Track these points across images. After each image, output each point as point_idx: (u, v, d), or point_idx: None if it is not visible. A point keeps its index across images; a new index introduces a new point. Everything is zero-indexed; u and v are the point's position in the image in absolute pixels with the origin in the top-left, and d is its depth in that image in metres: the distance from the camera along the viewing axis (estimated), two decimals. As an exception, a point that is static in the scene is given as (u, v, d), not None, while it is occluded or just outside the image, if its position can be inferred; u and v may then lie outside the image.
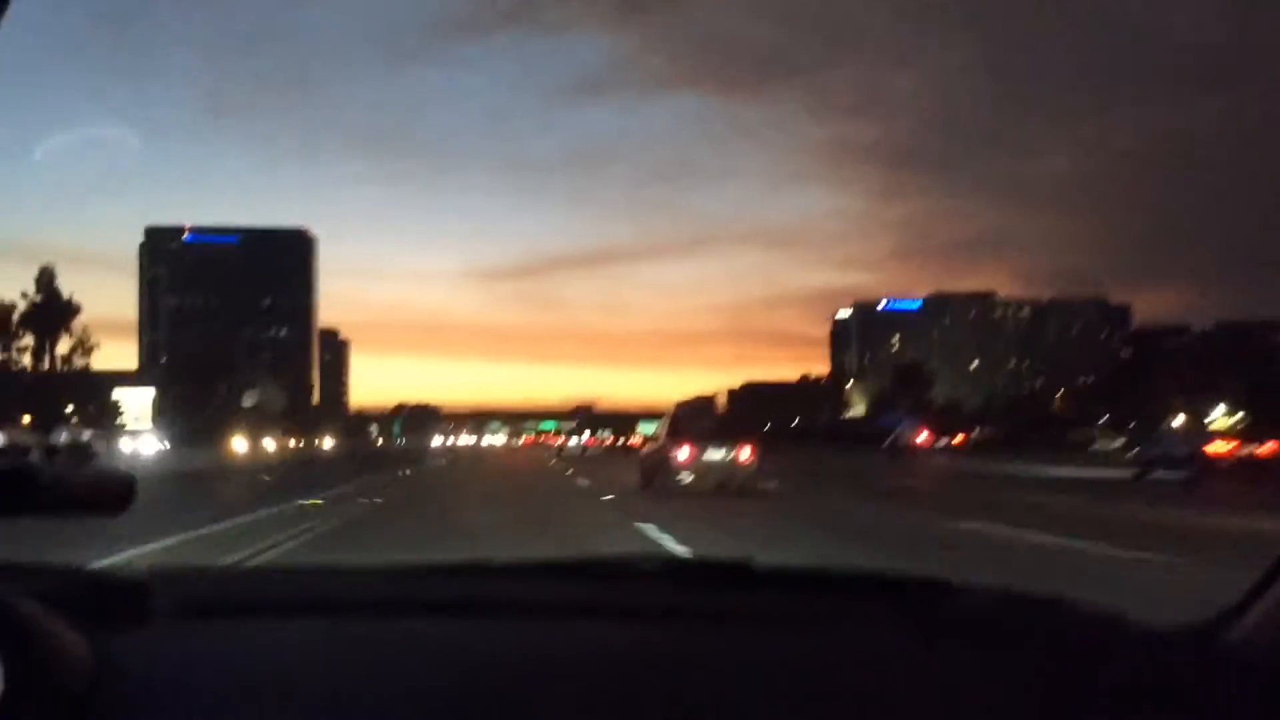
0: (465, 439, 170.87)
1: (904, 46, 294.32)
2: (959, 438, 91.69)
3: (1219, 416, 79.51)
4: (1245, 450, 32.52)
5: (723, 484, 21.03)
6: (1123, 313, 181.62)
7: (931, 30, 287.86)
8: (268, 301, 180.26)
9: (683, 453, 21.61)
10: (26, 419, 71.08)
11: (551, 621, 1.26)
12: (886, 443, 73.09)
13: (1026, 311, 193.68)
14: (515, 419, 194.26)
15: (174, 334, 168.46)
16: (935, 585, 1.32)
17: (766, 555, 1.92)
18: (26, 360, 73.43)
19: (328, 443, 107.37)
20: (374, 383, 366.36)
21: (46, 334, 72.88)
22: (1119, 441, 74.69)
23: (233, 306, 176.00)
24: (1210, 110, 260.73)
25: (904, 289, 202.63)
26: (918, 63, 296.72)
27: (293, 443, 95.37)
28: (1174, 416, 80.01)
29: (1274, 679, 1.11)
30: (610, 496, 21.30)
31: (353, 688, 1.03)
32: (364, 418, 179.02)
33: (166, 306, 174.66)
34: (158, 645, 1.11)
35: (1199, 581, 8.01)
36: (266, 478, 32.82)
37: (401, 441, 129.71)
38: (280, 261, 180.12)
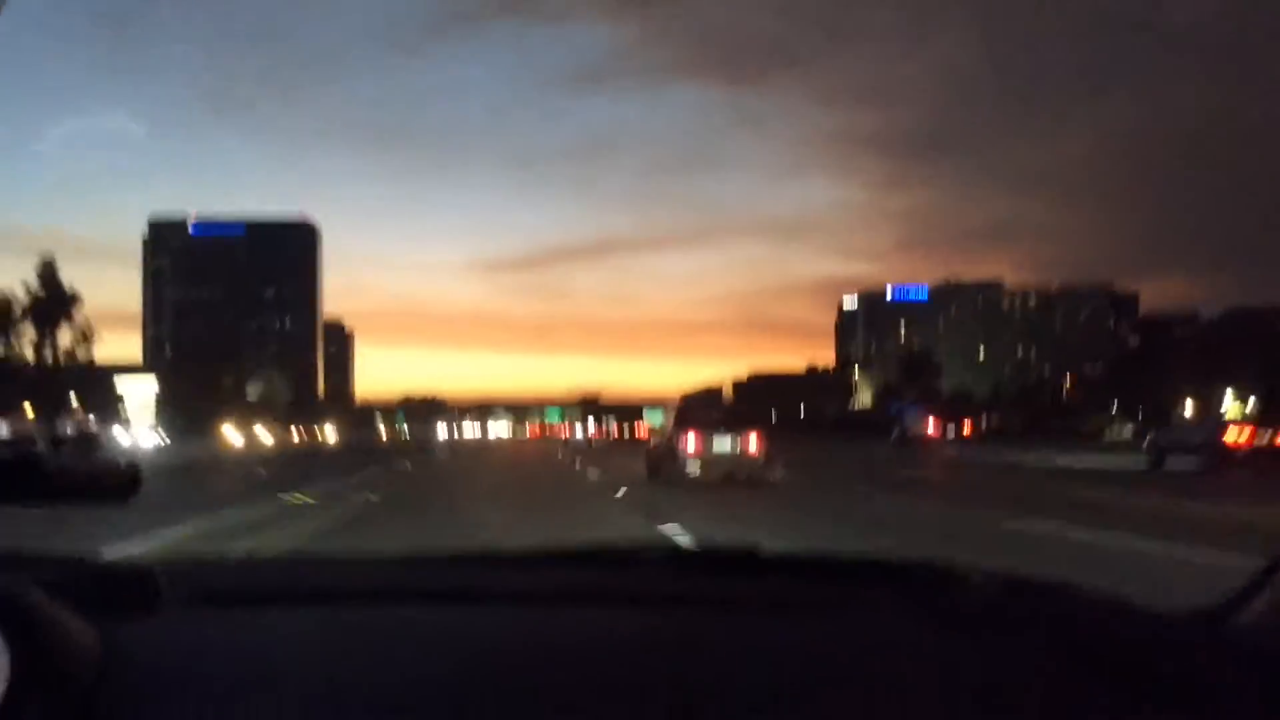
0: (471, 430, 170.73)
1: (909, 35, 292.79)
2: (968, 427, 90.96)
3: (1231, 404, 78.77)
4: (1262, 438, 31.85)
5: (730, 474, 20.85)
6: (1130, 301, 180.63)
7: (936, 18, 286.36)
8: (271, 293, 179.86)
9: (690, 443, 21.40)
10: (29, 411, 70.75)
11: (558, 609, 1.27)
12: (894, 433, 72.46)
13: (1034, 300, 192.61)
14: (521, 410, 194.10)
15: (177, 325, 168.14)
16: (940, 571, 1.33)
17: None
18: (28, 352, 72.96)
19: (331, 435, 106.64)
20: (379, 375, 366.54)
21: (48, 325, 72.41)
22: (1130, 430, 74.16)
23: (236, 298, 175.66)
24: (1217, 98, 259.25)
25: (909, 279, 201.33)
26: (923, 51, 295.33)
27: (297, 435, 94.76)
28: (1184, 404, 79.45)
29: None
30: (623, 489, 20.50)
31: (359, 675, 1.03)
32: (369, 410, 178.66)
33: (170, 298, 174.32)
34: (165, 634, 1.12)
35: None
36: (261, 471, 32.21)
37: (405, 434, 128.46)
38: (284, 252, 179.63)
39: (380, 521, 14.37)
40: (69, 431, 53.38)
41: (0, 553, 1.27)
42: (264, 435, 77.26)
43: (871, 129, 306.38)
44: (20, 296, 72.67)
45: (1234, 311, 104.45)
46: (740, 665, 1.08)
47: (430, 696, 1.01)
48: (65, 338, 73.92)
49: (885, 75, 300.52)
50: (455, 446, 79.33)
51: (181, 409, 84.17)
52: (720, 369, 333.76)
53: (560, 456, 44.56)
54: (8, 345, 71.95)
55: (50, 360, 72.84)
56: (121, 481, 1.14)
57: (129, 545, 10.01)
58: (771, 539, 10.10)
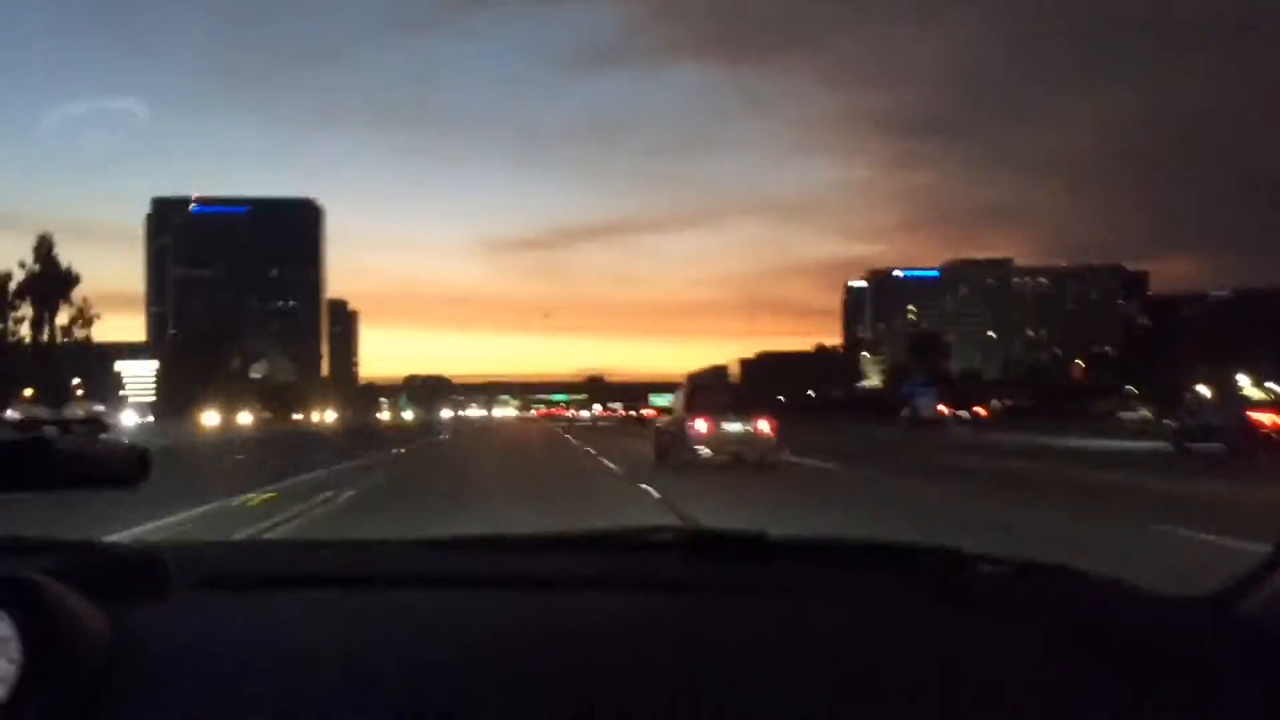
0: (476, 411, 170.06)
1: (916, 15, 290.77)
2: (982, 408, 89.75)
3: (1246, 385, 77.70)
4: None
5: (740, 457, 20.51)
6: (1140, 280, 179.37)
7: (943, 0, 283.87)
8: (274, 272, 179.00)
9: (700, 425, 20.93)
10: (29, 391, 69.95)
11: (566, 594, 1.29)
12: (904, 413, 71.03)
13: (1044, 279, 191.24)
14: (526, 390, 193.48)
15: (180, 305, 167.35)
16: (947, 555, 1.34)
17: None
18: (25, 331, 71.91)
19: (330, 416, 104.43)
20: (385, 355, 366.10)
21: (46, 304, 71.39)
22: (1144, 411, 73.09)
23: (239, 277, 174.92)
24: (1226, 78, 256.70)
25: (915, 259, 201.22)
26: (930, 31, 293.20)
27: (296, 417, 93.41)
28: (1197, 385, 78.39)
29: None
30: (634, 474, 19.35)
31: (367, 659, 1.05)
32: (374, 390, 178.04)
33: (173, 277, 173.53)
34: (174, 618, 1.14)
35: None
36: (239, 457, 30.45)
37: (407, 414, 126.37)
38: (287, 232, 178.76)
39: (354, 524, 12.05)
40: (77, 414, 51.89)
41: (9, 538, 1.29)
42: (250, 417, 74.33)
43: (877, 110, 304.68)
44: (18, 276, 71.49)
45: (1242, 292, 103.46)
46: (747, 650, 1.09)
47: (437, 680, 1.02)
48: (64, 317, 72.83)
49: (891, 56, 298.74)
50: (459, 428, 78.01)
51: (182, 388, 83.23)
52: (726, 349, 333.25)
53: (569, 439, 41.71)
54: (3, 323, 70.84)
55: (47, 339, 71.75)
56: (130, 466, 1.15)
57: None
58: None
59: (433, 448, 37.16)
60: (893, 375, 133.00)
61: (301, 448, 35.90)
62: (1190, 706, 1.02)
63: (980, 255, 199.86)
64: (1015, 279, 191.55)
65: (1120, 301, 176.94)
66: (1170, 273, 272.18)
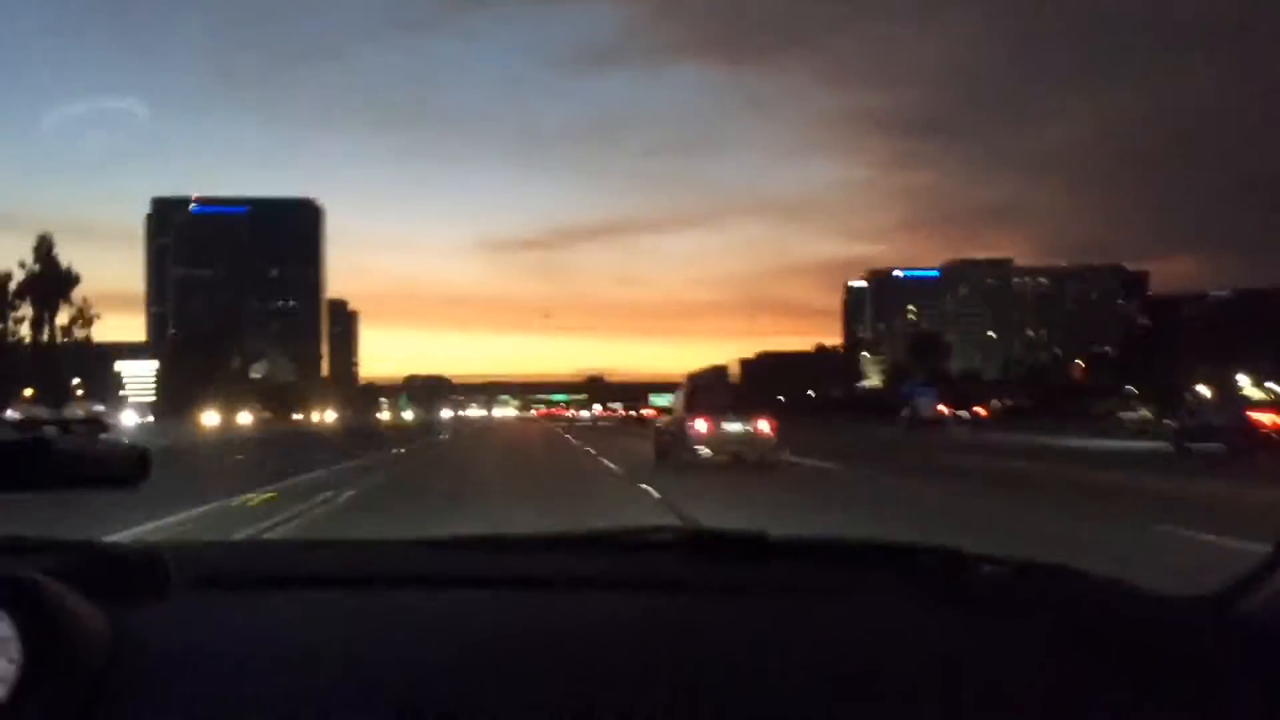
0: (476, 411, 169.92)
1: (916, 15, 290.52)
2: (982, 409, 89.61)
3: (1246, 385, 77.60)
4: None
5: (740, 457, 20.45)
6: (1140, 280, 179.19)
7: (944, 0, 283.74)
8: (274, 272, 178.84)
9: (700, 426, 20.87)
10: (29, 392, 69.85)
11: (565, 594, 1.29)
12: (905, 414, 70.86)
13: (1044, 279, 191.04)
14: (526, 390, 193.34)
15: (180, 305, 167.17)
16: (947, 555, 1.35)
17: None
18: (25, 331, 71.70)
19: (330, 416, 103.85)
20: (385, 355, 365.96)
21: (46, 304, 71.24)
22: (1144, 412, 73.01)
23: (239, 277, 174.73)
24: (1225, 78, 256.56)
25: (913, 259, 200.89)
26: (930, 31, 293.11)
27: (296, 416, 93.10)
28: (1197, 385, 78.29)
29: None
30: (635, 474, 19.24)
31: (368, 660, 1.05)
32: (374, 390, 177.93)
33: (173, 277, 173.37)
34: (175, 619, 1.14)
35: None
36: (239, 457, 30.25)
37: (407, 415, 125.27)
38: (287, 232, 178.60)
39: (354, 524, 12.08)
40: (78, 415, 51.40)
41: (9, 538, 1.29)
42: (249, 417, 73.63)
43: (877, 110, 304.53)
44: (18, 276, 71.30)
45: (1242, 293, 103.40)
46: (748, 650, 1.09)
47: (438, 681, 1.02)
48: (63, 317, 72.67)
49: (891, 56, 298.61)
50: (459, 428, 77.81)
51: (182, 388, 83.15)
52: (726, 349, 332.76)
53: (569, 440, 41.45)
54: (3, 323, 70.65)
55: (47, 339, 71.59)
56: (130, 466, 1.15)
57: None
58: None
59: (432, 448, 37.03)
60: (893, 375, 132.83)
61: (301, 448, 35.56)
62: (1191, 706, 1.02)
63: (980, 255, 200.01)
64: (1015, 279, 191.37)
65: (1120, 301, 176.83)
66: (1170, 273, 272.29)
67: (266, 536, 10.05)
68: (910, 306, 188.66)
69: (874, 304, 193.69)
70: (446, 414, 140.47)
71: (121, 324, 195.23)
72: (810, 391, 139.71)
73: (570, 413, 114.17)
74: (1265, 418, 30.43)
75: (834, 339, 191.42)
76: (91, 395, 77.48)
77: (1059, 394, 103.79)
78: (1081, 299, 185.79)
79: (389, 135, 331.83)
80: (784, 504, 13.96)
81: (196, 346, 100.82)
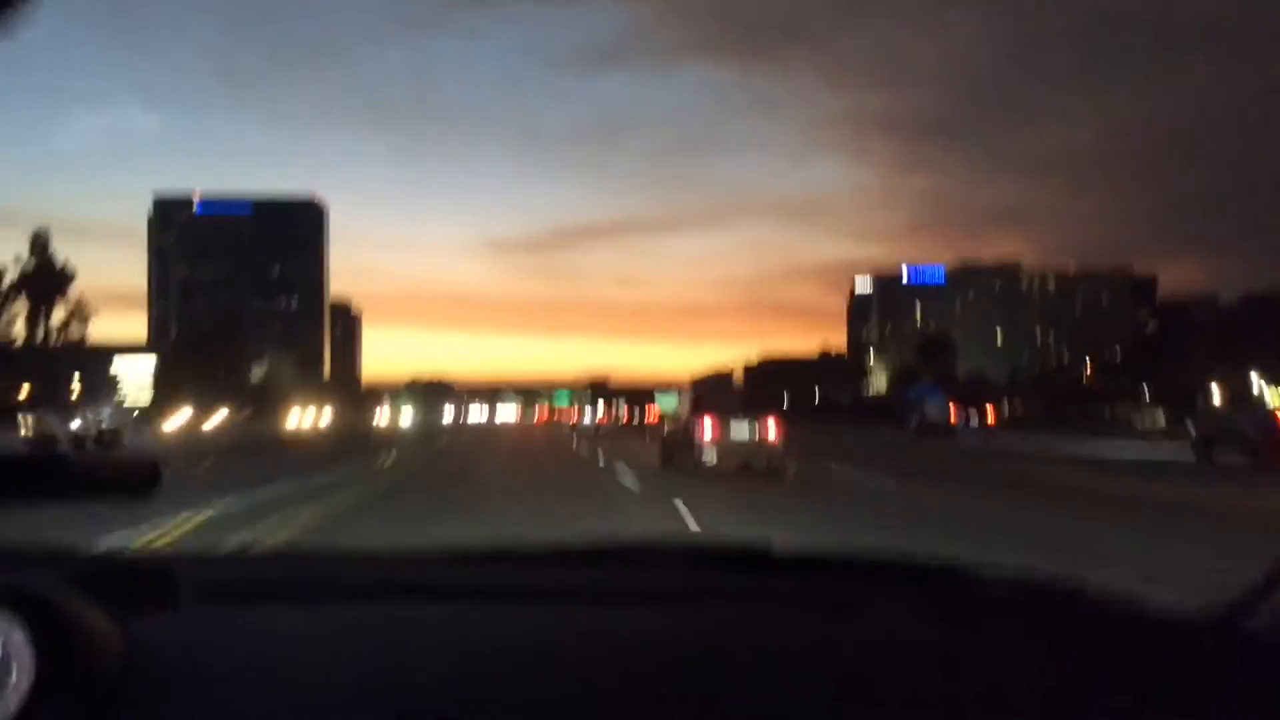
0: (478, 414, 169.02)
1: (923, 14, 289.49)
2: (991, 414, 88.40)
3: (1270, 391, 76.56)
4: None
5: (747, 463, 20.36)
6: (1149, 285, 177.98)
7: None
8: (277, 272, 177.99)
9: (707, 430, 20.58)
10: (23, 394, 68.87)
11: (568, 606, 1.29)
12: (913, 419, 69.47)
13: (1052, 283, 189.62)
14: (530, 392, 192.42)
15: (182, 304, 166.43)
16: (956, 570, 1.35)
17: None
18: (18, 329, 70.59)
19: (324, 419, 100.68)
20: (387, 356, 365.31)
21: (39, 301, 70.20)
22: (1161, 417, 72.23)
23: (241, 277, 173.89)
24: (1233, 80, 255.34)
25: (920, 262, 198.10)
26: (937, 31, 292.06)
27: (301, 418, 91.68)
28: (1211, 391, 77.34)
29: None
30: (642, 484, 18.05)
31: (376, 672, 1.06)
32: (376, 392, 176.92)
33: (175, 277, 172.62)
34: (187, 630, 1.15)
35: None
36: (207, 464, 28.01)
37: (405, 420, 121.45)
38: (290, 231, 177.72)
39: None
40: (91, 421, 49.42)
41: (25, 548, 1.30)
42: (216, 420, 69.84)
43: (884, 111, 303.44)
44: (10, 270, 70.11)
45: (1252, 297, 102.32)
46: (754, 664, 1.09)
47: (446, 693, 1.03)
48: (59, 315, 71.59)
49: (897, 56, 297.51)
50: (460, 432, 76.75)
51: (180, 389, 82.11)
52: (730, 352, 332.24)
53: (574, 447, 39.33)
54: (-6, 320, 69.46)
55: (41, 338, 70.55)
56: (142, 477, 1.16)
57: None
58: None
59: (422, 455, 35.27)
60: (899, 379, 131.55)
61: (287, 456, 33.65)
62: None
63: (987, 257, 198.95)
64: (1024, 282, 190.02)
65: (1130, 305, 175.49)
66: (1180, 276, 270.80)
67: (272, 546, 9.37)
68: (917, 309, 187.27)
69: (880, 306, 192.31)
70: (448, 416, 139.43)
71: (126, 324, 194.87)
72: (816, 395, 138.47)
73: (573, 418, 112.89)
74: (1289, 423, 29.56)
75: (839, 342, 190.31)
76: (87, 395, 76.46)
77: (1070, 398, 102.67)
78: (1091, 303, 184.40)
79: (391, 134, 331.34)
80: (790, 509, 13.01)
81: (196, 346, 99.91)
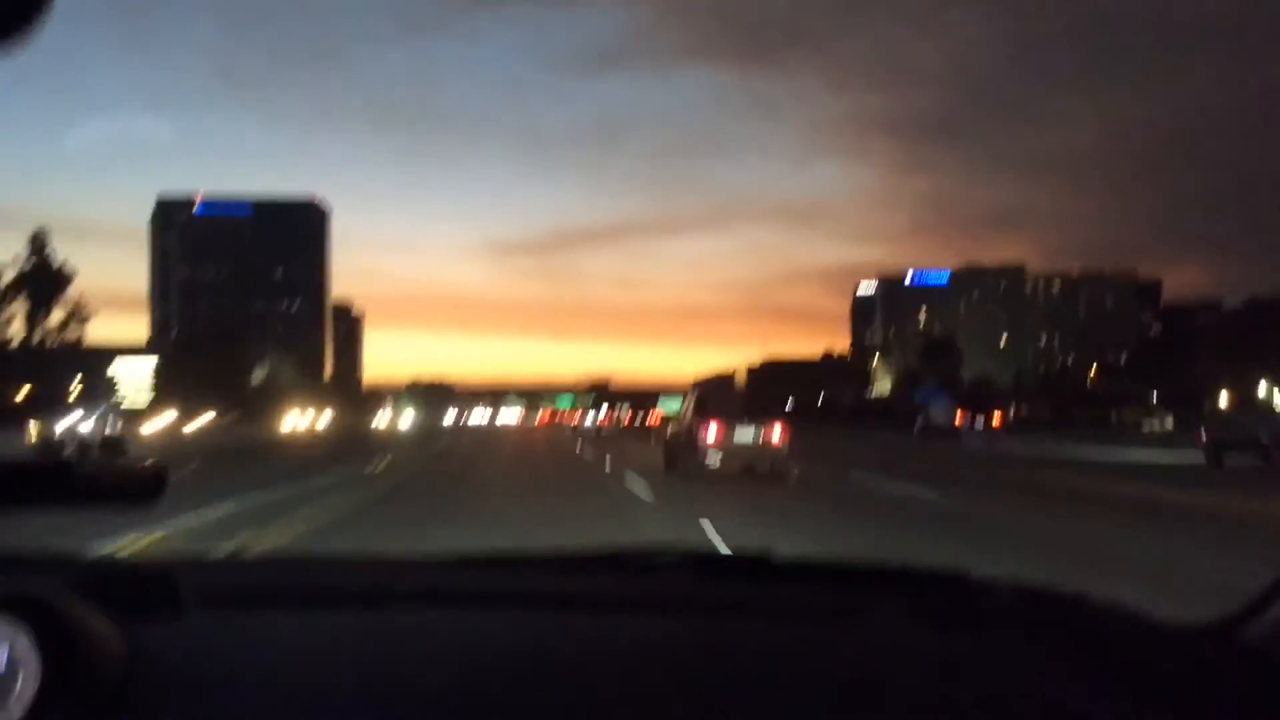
0: (480, 416, 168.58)
1: (925, 16, 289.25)
2: (997, 418, 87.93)
3: (1266, 394, 76.13)
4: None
5: (751, 466, 20.22)
6: (1153, 288, 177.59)
7: (953, 1, 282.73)
8: (278, 274, 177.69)
9: (710, 433, 20.35)
10: (21, 395, 68.44)
11: (572, 613, 1.30)
12: (918, 422, 68.88)
13: (1057, 286, 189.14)
14: (531, 395, 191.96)
15: (184, 306, 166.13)
16: (954, 579, 1.36)
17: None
18: (14, 330, 70.02)
19: (324, 420, 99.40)
20: (389, 358, 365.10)
21: (39, 302, 69.74)
22: (1169, 422, 71.88)
23: (243, 278, 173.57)
24: (1234, 80, 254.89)
25: (922, 264, 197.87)
26: (939, 33, 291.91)
27: (298, 420, 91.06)
28: (1219, 395, 76.99)
29: None
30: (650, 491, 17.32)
31: (377, 679, 1.06)
32: (378, 394, 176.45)
33: (176, 278, 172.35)
34: (187, 636, 1.15)
35: None
36: (193, 466, 26.99)
37: (405, 422, 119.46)
38: (291, 233, 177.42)
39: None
40: (93, 426, 48.69)
41: (26, 554, 1.31)
42: (200, 422, 67.21)
43: (888, 113, 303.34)
44: (8, 271, 69.59)
45: (1257, 301, 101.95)
46: (754, 673, 1.09)
47: (447, 700, 1.03)
48: (57, 316, 71.08)
49: (898, 58, 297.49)
50: (460, 434, 76.21)
51: (179, 392, 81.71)
52: (732, 355, 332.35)
53: (578, 451, 38.11)
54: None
55: (37, 339, 70.04)
56: (147, 485, 1.16)
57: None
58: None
59: (420, 459, 34.30)
60: (903, 382, 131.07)
61: (274, 460, 32.73)
62: None
63: (990, 259, 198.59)
64: (1029, 285, 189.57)
65: (1134, 309, 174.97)
66: (1183, 278, 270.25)
67: (274, 551, 9.42)
68: (921, 311, 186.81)
69: (884, 309, 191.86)
70: (449, 419, 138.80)
71: (127, 325, 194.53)
72: (820, 397, 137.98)
73: (575, 421, 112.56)
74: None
75: (843, 345, 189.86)
76: (85, 397, 76.05)
77: (1074, 402, 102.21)
78: (1095, 305, 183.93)
79: (392, 136, 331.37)
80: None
81: (196, 348, 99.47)
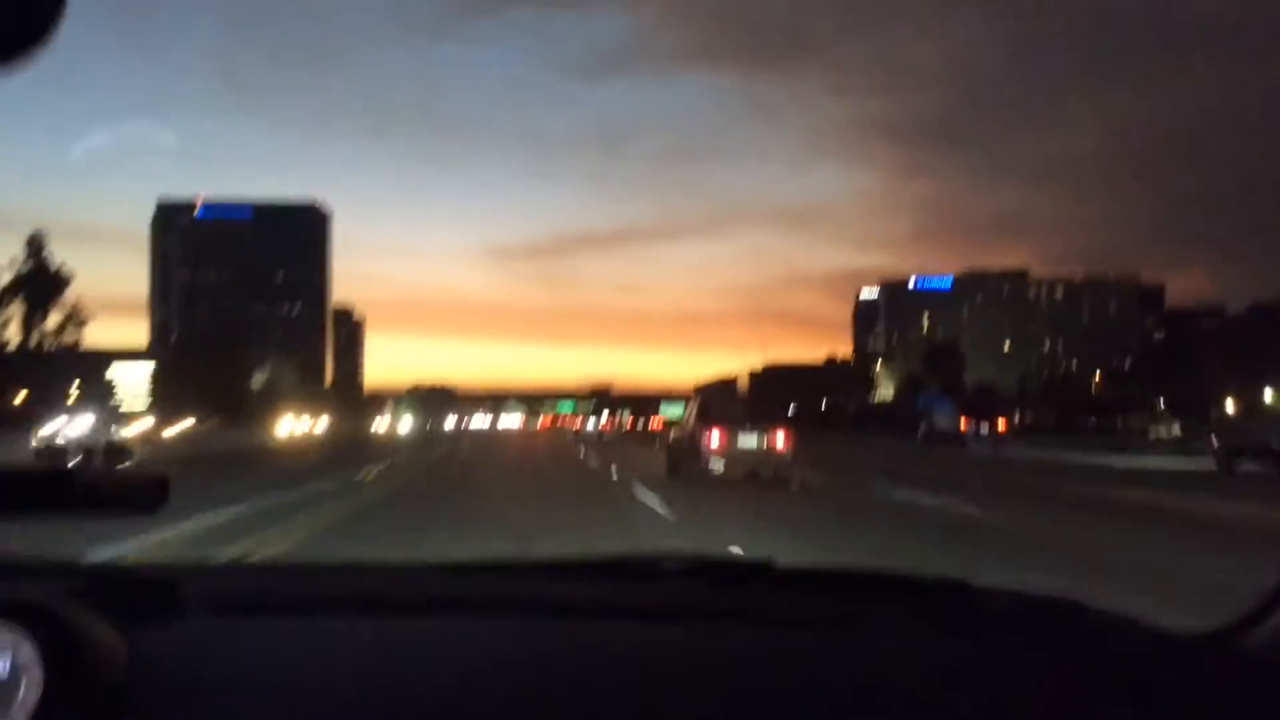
0: (481, 420, 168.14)
1: (927, 20, 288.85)
2: (1002, 423, 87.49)
3: (1271, 400, 75.73)
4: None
5: (755, 472, 20.06)
6: (1156, 293, 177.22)
7: (952, 6, 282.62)
8: (279, 277, 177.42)
9: (714, 439, 20.22)
10: (19, 399, 68.04)
11: (572, 620, 1.31)
12: (922, 428, 68.33)
13: (1060, 291, 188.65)
14: (532, 400, 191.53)
15: (184, 310, 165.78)
16: (954, 586, 1.36)
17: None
18: (11, 333, 69.57)
19: (320, 425, 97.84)
20: (390, 363, 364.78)
21: (36, 305, 69.32)
22: (1176, 428, 71.52)
23: (243, 282, 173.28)
24: (1235, 81, 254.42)
25: (924, 269, 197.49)
26: (941, 37, 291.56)
27: (294, 425, 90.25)
28: (1223, 401, 76.60)
29: None
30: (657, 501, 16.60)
31: (382, 686, 1.06)
32: (378, 399, 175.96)
33: (177, 282, 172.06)
34: (190, 641, 1.16)
35: None
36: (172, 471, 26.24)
37: (404, 427, 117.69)
38: (292, 237, 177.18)
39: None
40: (94, 437, 47.73)
41: (27, 561, 1.32)
42: (179, 427, 64.64)
43: (890, 117, 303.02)
44: (7, 275, 69.17)
45: (1260, 306, 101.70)
46: (754, 679, 1.10)
47: (447, 706, 1.03)
48: (54, 319, 70.60)
49: (904, 62, 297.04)
50: (462, 438, 75.66)
51: (178, 395, 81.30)
52: (734, 360, 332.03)
53: (581, 456, 37.06)
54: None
55: (34, 342, 69.56)
56: (149, 492, 1.16)
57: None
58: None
59: (419, 464, 33.37)
60: (906, 387, 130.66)
61: (261, 467, 31.48)
62: None
63: (993, 264, 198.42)
64: (1032, 290, 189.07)
65: (1137, 314, 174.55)
66: (1186, 283, 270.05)
67: (274, 558, 9.26)
68: (924, 317, 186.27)
69: (887, 314, 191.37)
70: (450, 423, 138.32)
71: (127, 329, 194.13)
72: (823, 403, 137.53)
73: (576, 426, 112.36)
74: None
75: (844, 350, 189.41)
76: (83, 401, 75.67)
77: (1078, 408, 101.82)
78: (1098, 311, 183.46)
79: (393, 140, 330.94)
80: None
81: (196, 351, 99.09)
